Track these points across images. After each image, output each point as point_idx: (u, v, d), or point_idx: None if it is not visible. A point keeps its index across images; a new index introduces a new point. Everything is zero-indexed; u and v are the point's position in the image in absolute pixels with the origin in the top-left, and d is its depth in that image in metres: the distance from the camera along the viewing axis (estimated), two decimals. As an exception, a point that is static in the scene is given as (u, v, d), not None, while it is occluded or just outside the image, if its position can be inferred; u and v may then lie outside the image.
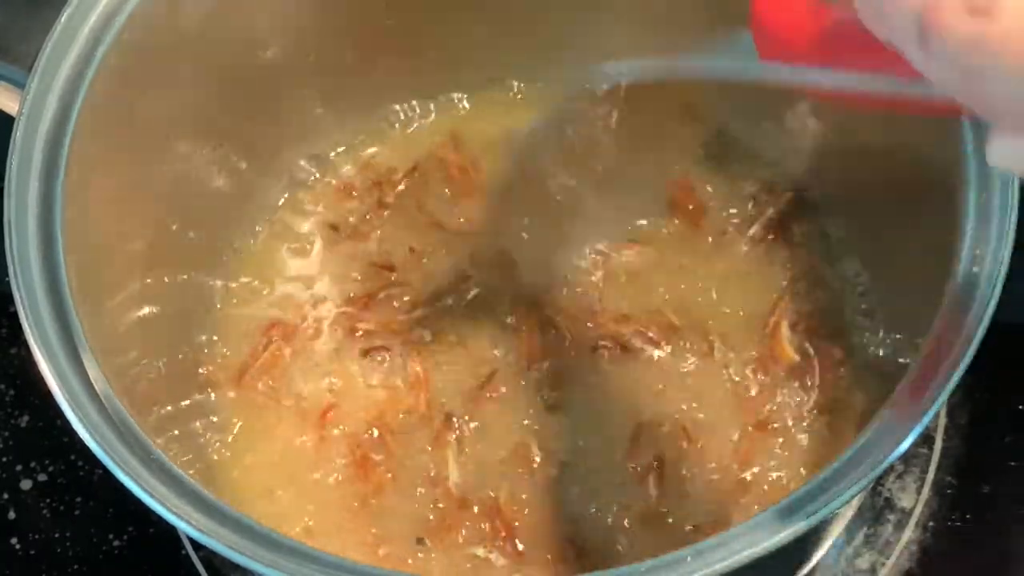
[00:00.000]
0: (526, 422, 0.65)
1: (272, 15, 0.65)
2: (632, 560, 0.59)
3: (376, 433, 0.65)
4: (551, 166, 0.67)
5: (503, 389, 0.66)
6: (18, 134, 0.54)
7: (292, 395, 0.67)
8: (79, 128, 0.55)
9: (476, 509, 0.62)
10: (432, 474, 0.64)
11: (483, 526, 0.62)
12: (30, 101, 0.54)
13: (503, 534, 0.62)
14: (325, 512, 0.63)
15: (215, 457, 0.65)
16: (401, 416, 0.65)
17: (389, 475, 0.64)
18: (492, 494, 0.63)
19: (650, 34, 0.70)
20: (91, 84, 0.55)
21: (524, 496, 0.63)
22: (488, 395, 0.66)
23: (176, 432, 0.62)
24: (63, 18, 0.55)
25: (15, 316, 0.50)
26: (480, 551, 0.62)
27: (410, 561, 0.61)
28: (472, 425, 0.65)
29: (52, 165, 0.54)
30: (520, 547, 0.62)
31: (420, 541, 0.62)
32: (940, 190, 0.53)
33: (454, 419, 0.65)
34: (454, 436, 0.64)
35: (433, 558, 0.62)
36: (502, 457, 0.64)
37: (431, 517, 0.63)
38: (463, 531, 0.62)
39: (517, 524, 0.62)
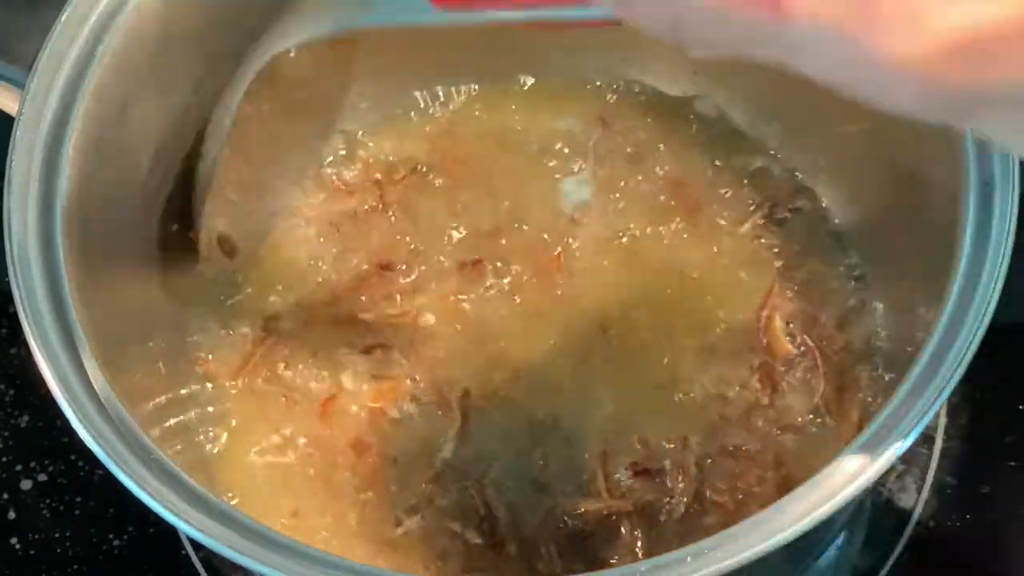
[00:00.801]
0: (529, 409, 0.65)
1: (272, 15, 0.65)
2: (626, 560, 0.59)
3: (374, 419, 0.65)
4: None
5: (509, 374, 0.66)
6: (18, 134, 0.54)
7: (291, 387, 0.67)
8: (79, 128, 0.55)
9: (459, 486, 0.63)
10: (426, 455, 0.64)
11: (461, 506, 0.63)
12: (30, 101, 0.54)
13: (482, 512, 0.62)
14: (314, 495, 0.64)
15: (211, 448, 0.65)
16: (402, 402, 0.66)
17: (380, 458, 0.64)
18: (480, 472, 0.63)
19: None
20: (91, 84, 0.55)
21: (511, 482, 0.63)
22: (494, 379, 0.66)
23: (173, 424, 0.62)
24: (63, 18, 0.55)
25: (15, 316, 0.50)
26: (457, 527, 0.62)
27: (386, 535, 0.62)
28: (475, 407, 0.65)
29: (52, 165, 0.54)
30: (496, 529, 0.62)
31: (396, 520, 0.63)
32: (941, 189, 0.53)
33: (458, 397, 0.65)
34: (458, 414, 0.65)
35: (410, 533, 0.62)
36: (499, 439, 0.64)
37: (416, 494, 0.63)
38: (441, 504, 0.63)
39: (500, 503, 0.62)
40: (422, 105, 0.75)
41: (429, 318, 0.68)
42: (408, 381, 0.66)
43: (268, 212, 0.71)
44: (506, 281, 0.69)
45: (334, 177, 0.73)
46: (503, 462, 0.64)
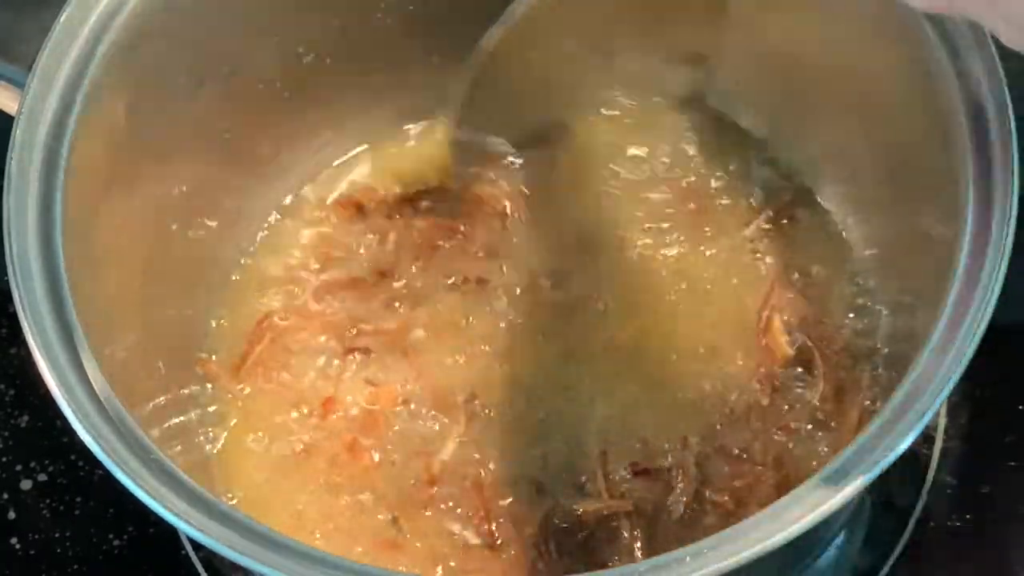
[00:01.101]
0: (529, 409, 0.65)
1: (274, 18, 0.65)
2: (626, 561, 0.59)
3: (373, 421, 0.65)
4: None
5: (509, 376, 0.66)
6: (18, 134, 0.54)
7: (290, 387, 0.67)
8: (79, 128, 0.55)
9: (458, 487, 0.63)
10: (424, 456, 0.64)
11: (460, 507, 0.63)
12: (30, 101, 0.54)
13: (481, 513, 0.62)
14: (313, 496, 0.64)
15: (211, 448, 0.65)
16: (400, 404, 0.66)
17: (378, 459, 0.64)
18: (479, 473, 0.63)
19: (655, 34, 0.71)
20: (91, 84, 0.55)
21: (511, 483, 0.63)
22: (494, 381, 0.66)
23: (173, 424, 0.62)
24: (63, 18, 0.55)
25: (15, 316, 0.50)
26: (456, 528, 0.62)
27: (385, 536, 0.62)
28: (478, 411, 0.65)
29: (52, 165, 0.54)
30: (495, 530, 0.62)
31: (395, 521, 0.63)
32: (941, 189, 0.53)
33: (463, 400, 0.66)
34: (463, 416, 0.65)
35: (409, 534, 0.62)
36: (498, 440, 0.64)
37: (412, 495, 0.63)
38: (441, 506, 0.63)
39: (499, 504, 0.62)
40: (425, 113, 0.75)
41: (427, 320, 0.68)
42: (406, 384, 0.66)
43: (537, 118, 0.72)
44: (508, 282, 0.69)
45: (333, 185, 0.74)
46: (502, 463, 0.64)
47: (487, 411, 0.65)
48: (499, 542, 0.62)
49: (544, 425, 0.65)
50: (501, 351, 0.67)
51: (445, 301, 0.69)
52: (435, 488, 0.63)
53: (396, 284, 0.70)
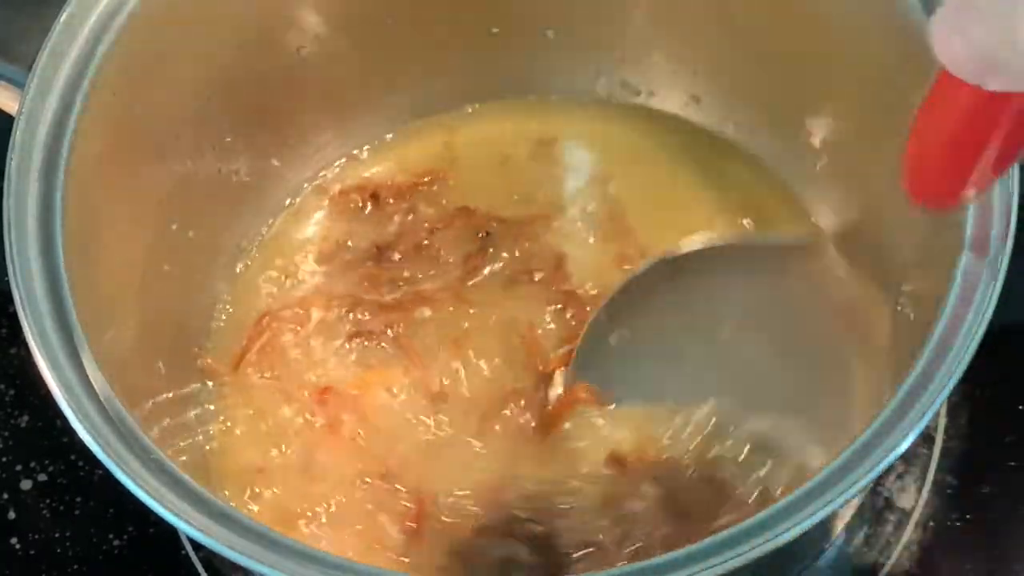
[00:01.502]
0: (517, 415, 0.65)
1: (274, 18, 0.65)
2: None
3: (362, 416, 0.66)
4: None
5: (503, 381, 0.66)
6: (18, 134, 0.54)
7: (288, 381, 0.67)
8: (79, 128, 0.55)
9: (404, 485, 0.63)
10: (392, 455, 0.64)
11: (404, 503, 0.63)
12: (30, 101, 0.54)
13: (414, 511, 0.62)
14: (298, 491, 0.64)
15: (211, 446, 0.66)
16: (390, 396, 0.66)
17: (354, 439, 0.65)
18: (422, 478, 0.63)
19: (659, 37, 0.71)
20: (91, 84, 0.55)
21: (456, 491, 0.63)
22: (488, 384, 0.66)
23: (173, 423, 0.62)
24: (63, 18, 0.55)
25: (15, 316, 0.50)
26: (384, 518, 0.62)
27: (324, 520, 0.63)
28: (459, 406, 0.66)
29: (52, 165, 0.54)
30: (421, 533, 0.62)
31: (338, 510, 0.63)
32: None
33: (444, 401, 0.66)
34: (432, 418, 0.65)
35: (349, 524, 0.63)
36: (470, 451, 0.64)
37: (364, 487, 0.63)
38: (385, 501, 0.63)
39: (436, 503, 0.62)
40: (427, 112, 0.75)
41: (425, 311, 0.68)
42: (401, 381, 0.66)
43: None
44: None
45: (333, 187, 0.74)
46: (458, 473, 0.63)
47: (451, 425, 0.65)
48: (422, 540, 0.61)
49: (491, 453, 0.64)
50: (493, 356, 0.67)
51: (447, 298, 0.69)
52: (389, 484, 0.63)
53: (396, 281, 0.70)
